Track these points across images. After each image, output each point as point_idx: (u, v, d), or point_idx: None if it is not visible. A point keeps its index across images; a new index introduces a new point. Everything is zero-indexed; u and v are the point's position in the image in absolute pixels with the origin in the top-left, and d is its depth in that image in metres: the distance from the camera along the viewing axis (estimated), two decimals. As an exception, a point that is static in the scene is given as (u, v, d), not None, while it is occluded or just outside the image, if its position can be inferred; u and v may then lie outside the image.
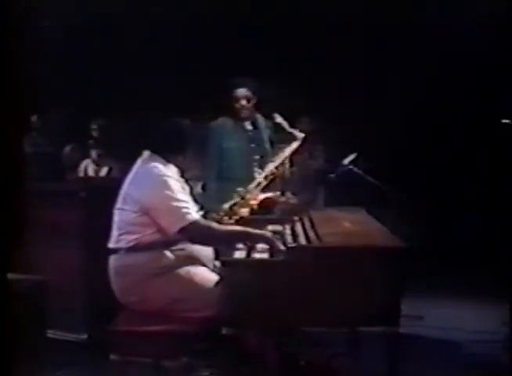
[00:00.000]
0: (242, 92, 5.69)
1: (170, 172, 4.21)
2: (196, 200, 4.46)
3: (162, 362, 4.14)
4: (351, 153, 6.20)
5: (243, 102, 5.69)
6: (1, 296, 4.55)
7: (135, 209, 4.13)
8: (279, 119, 5.25)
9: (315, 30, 8.18)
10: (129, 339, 4.01)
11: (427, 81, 7.89)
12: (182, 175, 4.36)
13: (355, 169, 6.17)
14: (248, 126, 5.79)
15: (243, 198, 5.01)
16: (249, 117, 5.76)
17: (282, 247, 4.00)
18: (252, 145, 5.72)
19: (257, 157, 5.65)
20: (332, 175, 6.27)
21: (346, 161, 6.17)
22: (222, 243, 4.29)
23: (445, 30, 7.55)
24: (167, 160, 4.27)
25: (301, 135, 5.22)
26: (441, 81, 7.84)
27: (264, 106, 5.71)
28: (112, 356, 3.99)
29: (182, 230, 4.06)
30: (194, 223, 4.07)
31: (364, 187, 6.18)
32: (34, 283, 4.87)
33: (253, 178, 5.21)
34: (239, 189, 5.05)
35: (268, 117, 5.48)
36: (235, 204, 4.97)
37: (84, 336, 5.33)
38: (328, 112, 7.51)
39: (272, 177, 5.15)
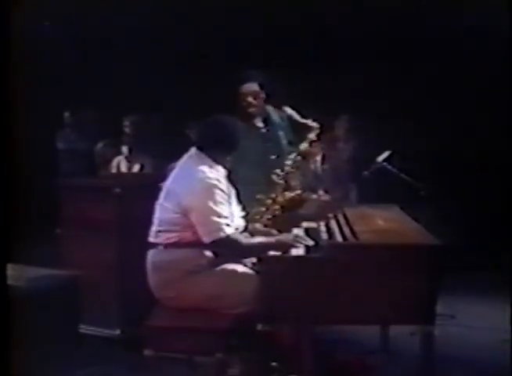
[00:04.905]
0: (249, 87, 5.22)
1: (217, 176, 4.16)
2: (240, 201, 4.45)
3: (196, 358, 4.15)
4: (385, 150, 6.17)
5: (250, 98, 5.22)
6: (35, 292, 4.60)
7: (177, 209, 4.12)
8: (289, 111, 5.05)
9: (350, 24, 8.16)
10: (163, 335, 4.03)
11: (465, 78, 7.82)
12: (229, 176, 4.31)
13: (389, 167, 6.14)
14: (259, 123, 5.33)
15: (262, 206, 4.80)
16: (259, 114, 5.30)
17: (300, 247, 4.07)
18: (267, 144, 5.25)
19: (273, 157, 5.15)
20: (365, 173, 6.24)
21: (380, 159, 6.14)
22: (251, 255, 4.28)
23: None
24: (215, 160, 4.23)
25: (316, 125, 4.98)
26: (481, 78, 7.77)
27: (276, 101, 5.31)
28: (146, 352, 4.00)
29: (213, 243, 4.08)
30: (225, 238, 4.07)
31: (397, 185, 6.15)
32: (68, 279, 4.90)
33: (270, 181, 4.89)
34: (258, 196, 4.82)
35: (280, 110, 5.17)
36: (255, 214, 4.76)
37: (118, 331, 5.35)
38: (362, 110, 7.47)
39: (290, 176, 4.92)
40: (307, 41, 8.34)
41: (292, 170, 4.95)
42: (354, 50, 8.15)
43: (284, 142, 5.30)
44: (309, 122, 5.02)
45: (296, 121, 5.07)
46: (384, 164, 6.14)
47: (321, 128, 5.03)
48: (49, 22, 8.64)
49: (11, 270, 4.04)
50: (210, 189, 4.08)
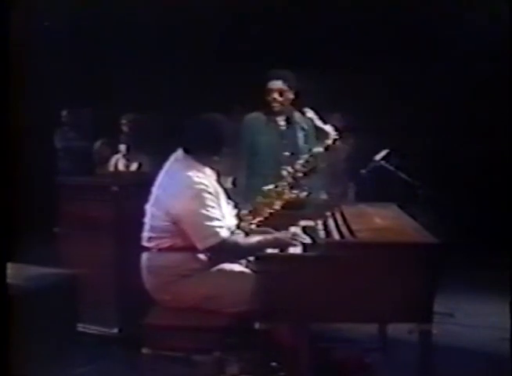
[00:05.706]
0: (275, 84, 5.42)
1: (204, 179, 4.10)
2: (230, 198, 4.45)
3: (194, 356, 4.15)
4: (383, 149, 6.18)
5: (275, 95, 5.41)
6: (34, 290, 4.60)
7: (166, 218, 4.08)
8: (310, 114, 5.07)
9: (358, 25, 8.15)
10: (161, 333, 4.03)
11: (464, 77, 7.82)
12: (218, 177, 4.29)
13: (387, 165, 6.14)
14: (281, 121, 5.52)
15: (266, 198, 4.86)
16: (283, 112, 5.50)
17: (298, 245, 4.07)
18: (284, 141, 5.47)
19: (287, 153, 5.39)
20: (363, 171, 6.25)
21: (378, 157, 6.14)
22: (249, 255, 4.24)
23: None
24: (202, 162, 4.17)
25: (334, 132, 5.02)
26: (480, 77, 7.77)
27: (300, 102, 5.43)
28: (144, 350, 3.99)
29: (210, 248, 4.06)
30: (221, 243, 4.05)
31: (395, 183, 6.15)
32: (66, 277, 4.89)
33: (280, 176, 4.99)
34: (265, 188, 4.90)
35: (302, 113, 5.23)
36: (258, 204, 4.83)
37: (115, 330, 5.34)
38: (360, 108, 7.47)
39: (300, 175, 4.98)
40: (305, 39, 8.33)
41: (303, 169, 5.00)
42: (352, 49, 8.16)
43: (302, 143, 5.46)
44: (327, 128, 5.05)
45: (315, 125, 5.15)
46: (382, 162, 6.14)
47: (339, 135, 5.06)
48: (49, 22, 8.64)
49: (10, 269, 4.04)
50: (198, 194, 4.03)
